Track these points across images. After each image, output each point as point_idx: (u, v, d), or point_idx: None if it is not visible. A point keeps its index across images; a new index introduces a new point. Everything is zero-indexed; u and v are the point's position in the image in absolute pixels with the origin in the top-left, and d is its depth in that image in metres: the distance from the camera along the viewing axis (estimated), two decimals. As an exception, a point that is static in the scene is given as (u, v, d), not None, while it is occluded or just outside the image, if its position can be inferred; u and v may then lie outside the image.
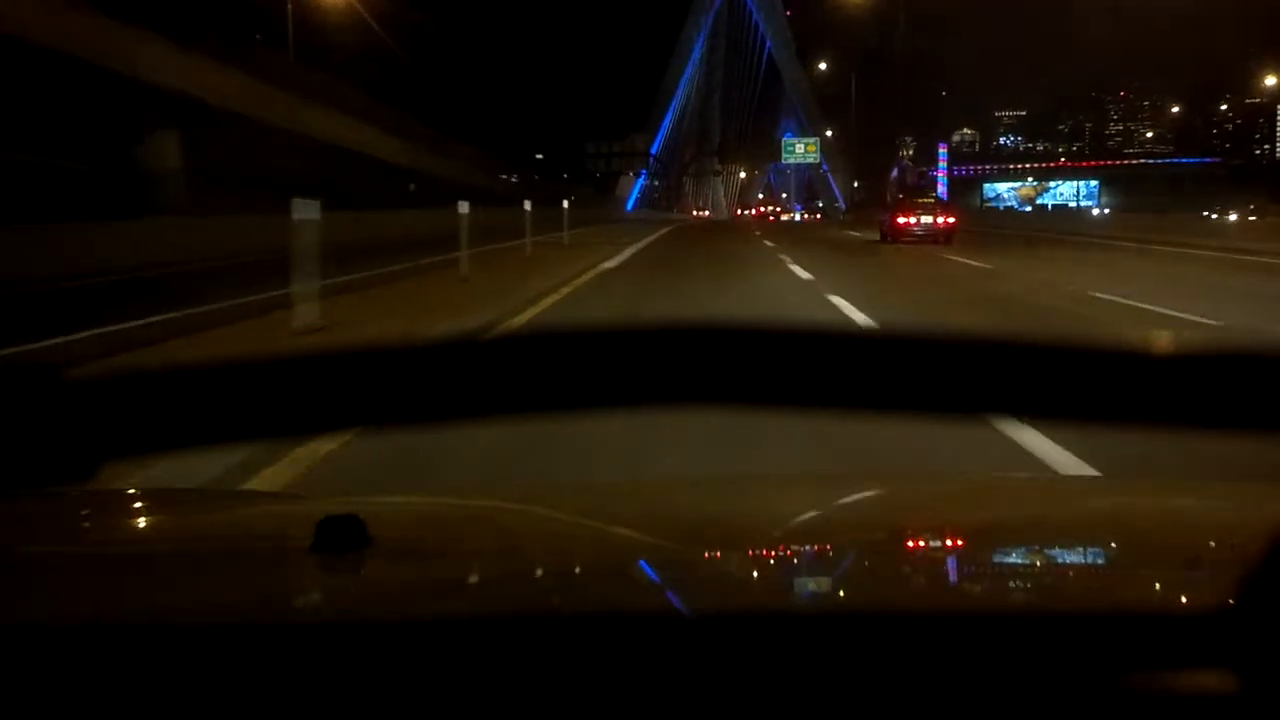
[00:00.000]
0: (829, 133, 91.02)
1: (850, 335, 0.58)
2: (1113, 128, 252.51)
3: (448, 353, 0.58)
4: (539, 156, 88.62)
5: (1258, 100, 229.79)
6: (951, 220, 25.99)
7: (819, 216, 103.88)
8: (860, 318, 10.04)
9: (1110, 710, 0.52)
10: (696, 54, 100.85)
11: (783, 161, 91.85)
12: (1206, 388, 0.54)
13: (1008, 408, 0.61)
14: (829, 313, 10.46)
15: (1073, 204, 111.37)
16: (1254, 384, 0.53)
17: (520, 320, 10.16)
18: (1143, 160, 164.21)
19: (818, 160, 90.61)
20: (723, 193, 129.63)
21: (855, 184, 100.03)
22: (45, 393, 0.56)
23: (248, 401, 0.57)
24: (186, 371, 0.56)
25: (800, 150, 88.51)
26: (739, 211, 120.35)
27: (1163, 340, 0.54)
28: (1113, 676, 0.54)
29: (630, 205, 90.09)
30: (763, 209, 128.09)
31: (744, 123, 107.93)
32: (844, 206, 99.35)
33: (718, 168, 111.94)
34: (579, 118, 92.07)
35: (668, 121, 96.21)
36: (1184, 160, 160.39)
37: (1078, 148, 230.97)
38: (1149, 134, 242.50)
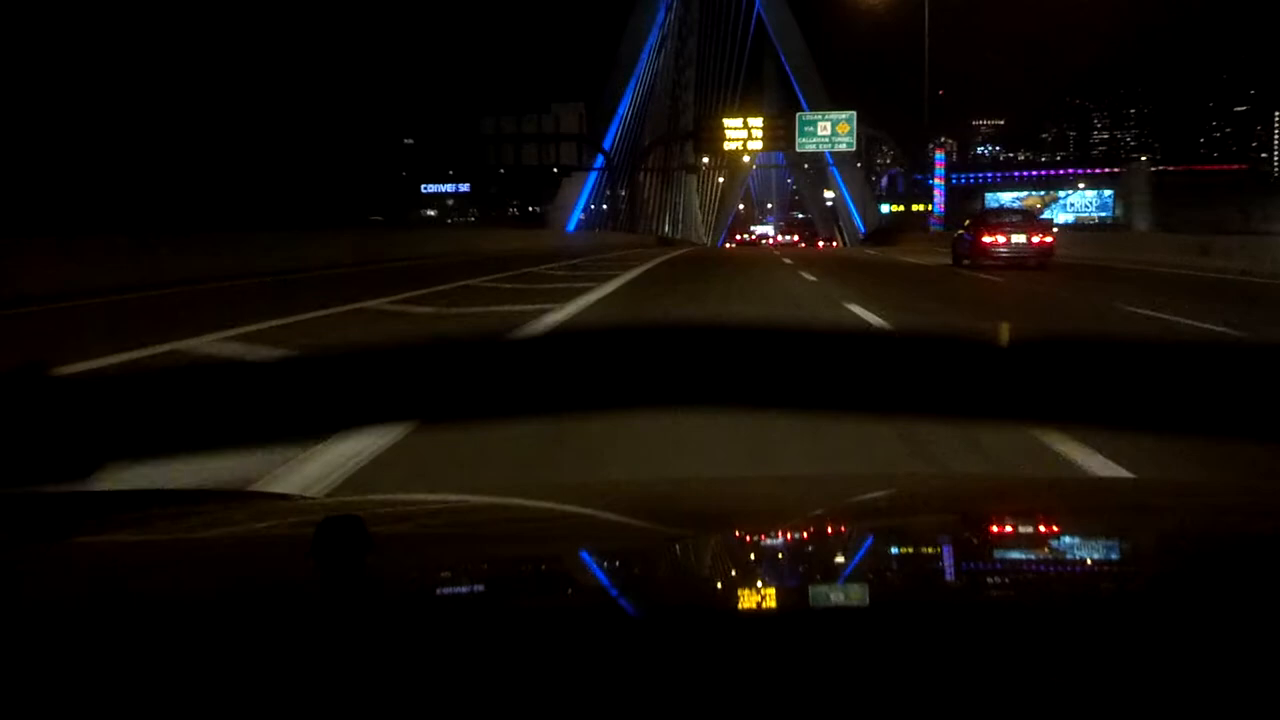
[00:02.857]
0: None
1: (859, 335, 0.56)
2: (1097, 136, 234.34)
3: (452, 353, 0.56)
4: (408, 141, 58.99)
5: (1245, 108, 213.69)
6: (1049, 240, 20.42)
7: (834, 244, 75.00)
8: None
9: (1110, 705, 0.52)
10: (661, 16, 70.84)
11: (799, 149, 57.61)
12: (1227, 389, 0.52)
13: (1012, 409, 0.60)
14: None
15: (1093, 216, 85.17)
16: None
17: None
18: (1160, 168, 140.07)
19: (852, 147, 59.74)
20: (698, 203, 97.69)
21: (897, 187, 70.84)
22: (45, 393, 0.55)
23: (247, 401, 0.55)
24: (184, 372, 0.55)
25: (826, 133, 54.22)
26: (743, 237, 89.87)
27: (1181, 341, 0.53)
28: (1111, 672, 0.53)
29: (573, 223, 60.81)
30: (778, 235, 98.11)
31: (726, 104, 77.72)
32: (863, 229, 70.02)
33: (692, 160, 74.37)
34: (492, 91, 58.11)
35: (625, 106, 66.50)
36: (1207, 167, 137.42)
37: (1062, 156, 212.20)
38: (1134, 142, 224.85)
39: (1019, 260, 19.88)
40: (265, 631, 0.62)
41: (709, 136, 58.20)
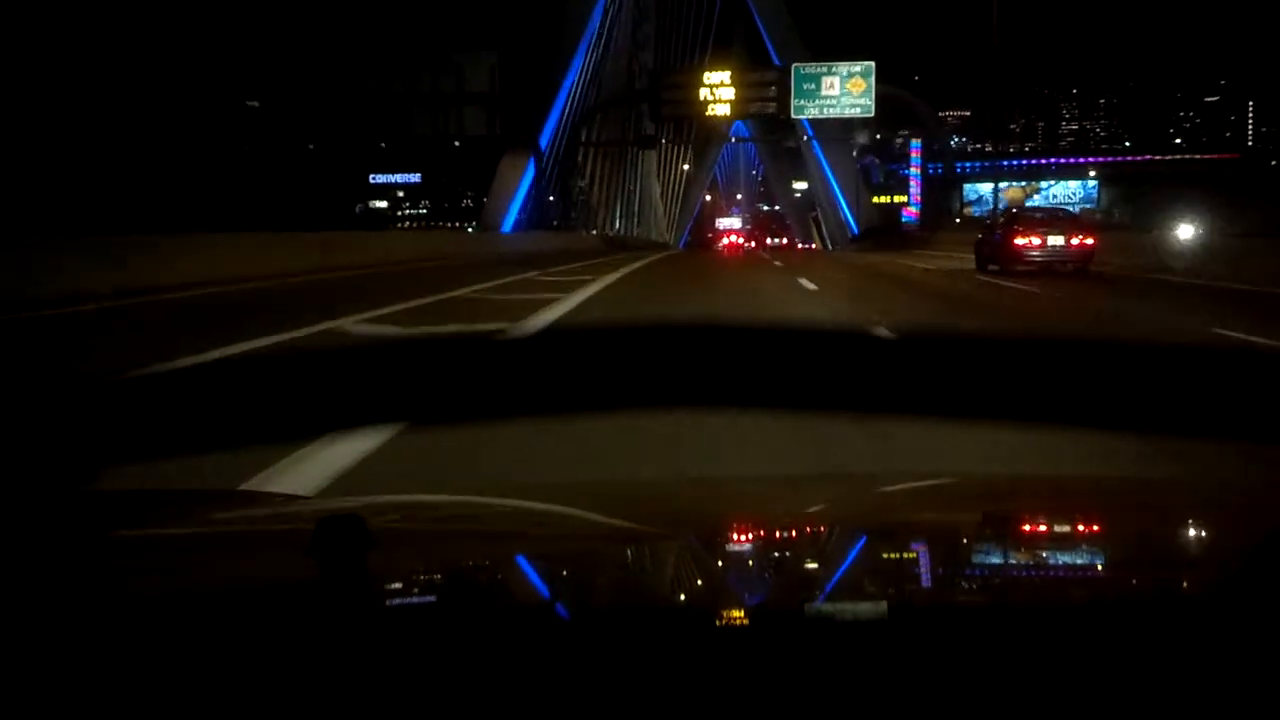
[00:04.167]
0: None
1: (853, 335, 0.60)
2: (1066, 127, 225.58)
3: (450, 352, 0.59)
4: (252, 104, 44.25)
5: (1215, 98, 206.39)
6: (1089, 242, 18.17)
7: (812, 246, 62.60)
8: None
9: (1108, 704, 0.50)
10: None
11: (795, 114, 41.28)
12: (1220, 392, 0.57)
13: (1007, 409, 0.58)
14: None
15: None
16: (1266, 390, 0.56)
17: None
18: (1148, 157, 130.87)
19: (869, 112, 40.61)
20: (658, 191, 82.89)
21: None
22: (47, 395, 0.58)
23: (248, 403, 0.56)
24: (185, 373, 0.57)
25: (833, 91, 38.12)
26: (734, 241, 75.99)
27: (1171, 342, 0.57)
28: (1110, 671, 0.52)
29: (510, 221, 47.60)
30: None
31: (692, 64, 63.75)
32: (855, 228, 57.46)
33: (649, 130, 54.29)
34: (384, 40, 42.10)
35: (573, 76, 52.83)
36: (1198, 156, 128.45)
37: (1030, 147, 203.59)
38: (1103, 133, 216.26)
39: (1056, 265, 17.77)
40: (266, 628, 0.61)
41: (671, 98, 42.32)
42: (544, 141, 51.34)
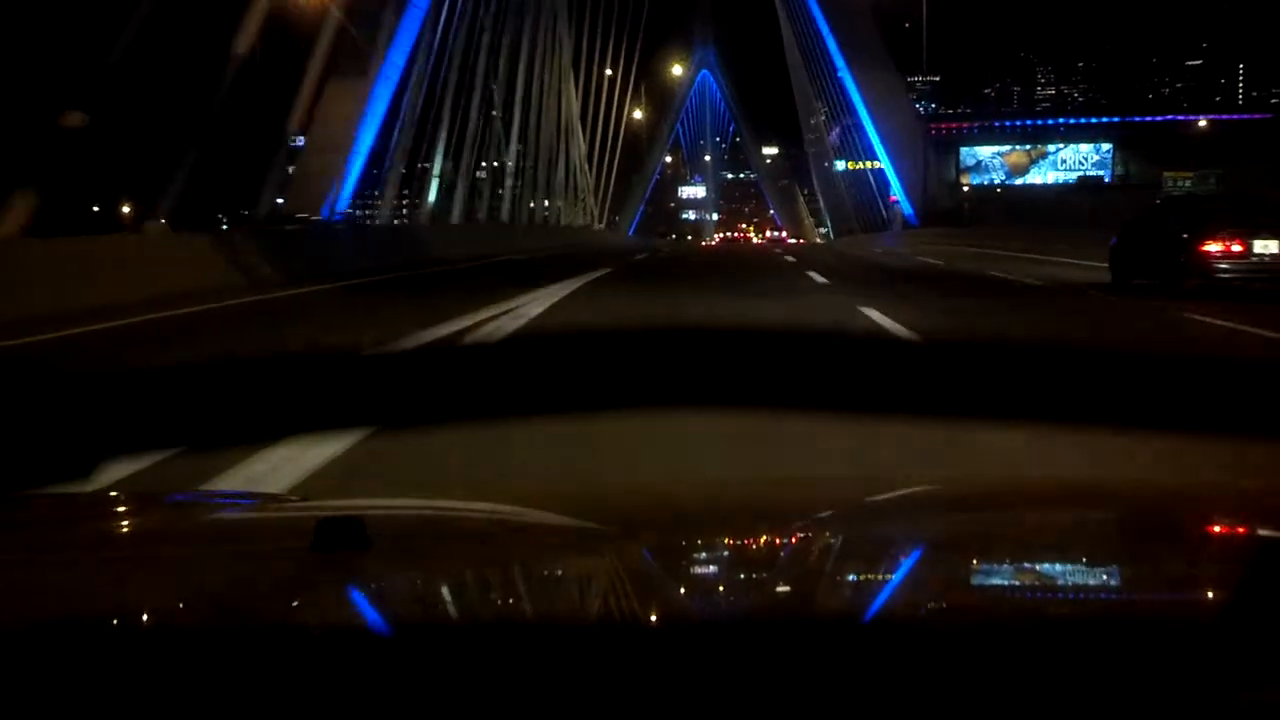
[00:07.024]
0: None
1: (849, 337, 0.54)
2: (1042, 92, 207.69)
3: (447, 356, 0.55)
4: None
5: (1199, 61, 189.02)
6: None
7: (799, 240, 42.56)
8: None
9: (1110, 717, 0.49)
10: None
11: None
12: (1224, 394, 0.51)
13: (1001, 409, 0.57)
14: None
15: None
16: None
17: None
18: (1169, 117, 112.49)
19: None
20: (580, 132, 46.55)
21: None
22: (44, 392, 0.54)
23: (248, 401, 0.54)
24: (185, 370, 0.54)
25: None
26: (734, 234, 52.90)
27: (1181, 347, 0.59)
28: (1112, 682, 0.50)
29: (341, 207, 23.70)
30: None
31: None
32: (910, 212, 37.72)
33: None
34: None
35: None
36: (1224, 118, 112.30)
37: (1006, 112, 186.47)
38: (1081, 98, 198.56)
39: (1259, 283, 11.08)
40: (265, 632, 0.60)
41: None
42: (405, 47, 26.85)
